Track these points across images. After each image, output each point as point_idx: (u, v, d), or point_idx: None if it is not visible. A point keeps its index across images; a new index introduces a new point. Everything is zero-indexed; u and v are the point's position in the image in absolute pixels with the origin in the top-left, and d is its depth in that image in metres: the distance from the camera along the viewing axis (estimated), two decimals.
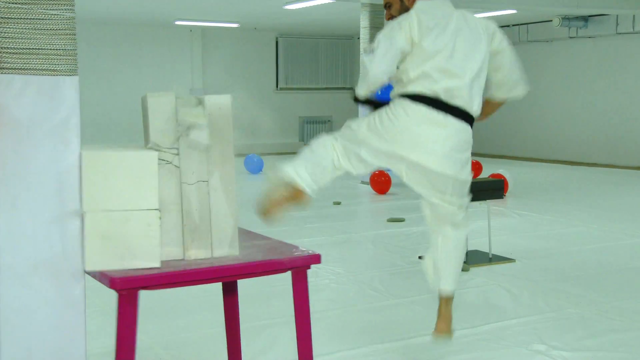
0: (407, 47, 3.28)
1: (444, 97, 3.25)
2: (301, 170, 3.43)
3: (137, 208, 2.54)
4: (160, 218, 2.59)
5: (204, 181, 2.72)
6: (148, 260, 2.56)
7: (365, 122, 3.41)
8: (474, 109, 3.33)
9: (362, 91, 3.44)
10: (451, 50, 3.28)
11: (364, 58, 3.34)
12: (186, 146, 2.69)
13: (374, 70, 3.30)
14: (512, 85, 3.60)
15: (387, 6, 3.65)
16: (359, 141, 3.41)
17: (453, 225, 3.50)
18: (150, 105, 2.67)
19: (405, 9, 3.53)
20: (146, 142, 2.79)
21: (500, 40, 3.49)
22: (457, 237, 3.53)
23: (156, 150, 2.65)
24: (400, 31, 3.29)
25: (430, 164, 3.31)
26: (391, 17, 3.61)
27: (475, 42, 3.36)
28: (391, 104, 3.37)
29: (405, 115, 3.27)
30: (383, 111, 3.36)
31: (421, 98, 3.27)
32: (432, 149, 3.29)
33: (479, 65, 3.34)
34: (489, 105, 3.64)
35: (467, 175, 3.44)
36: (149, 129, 2.69)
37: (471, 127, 3.36)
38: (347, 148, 3.46)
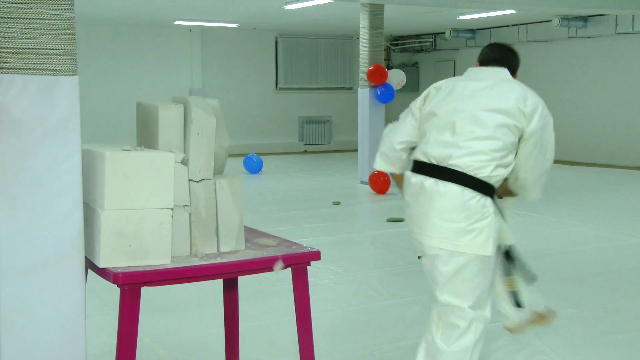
0: None
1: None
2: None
3: (152, 207, 2.59)
4: (172, 216, 2.63)
5: (209, 179, 2.77)
6: (159, 257, 2.60)
7: None
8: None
9: None
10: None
11: None
12: (194, 146, 2.74)
13: None
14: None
15: None
16: None
17: (442, 334, 2.96)
18: (160, 118, 2.73)
19: None
20: (150, 146, 2.83)
21: None
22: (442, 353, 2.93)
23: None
24: None
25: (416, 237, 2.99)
26: None
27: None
28: None
29: None
30: None
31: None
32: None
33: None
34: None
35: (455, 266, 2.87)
36: (157, 139, 2.74)
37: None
38: None
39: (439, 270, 2.90)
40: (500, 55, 3.14)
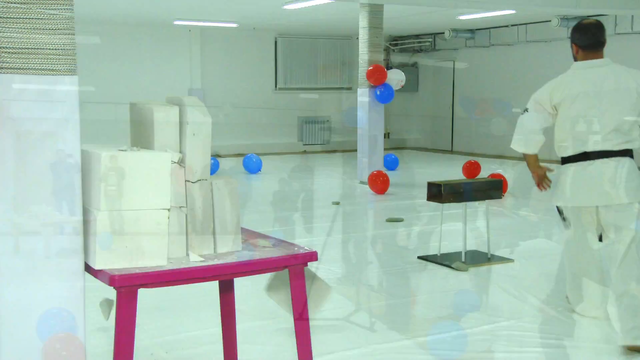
0: None
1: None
2: None
3: (148, 207, 2.57)
4: (169, 217, 2.62)
5: (205, 179, 2.76)
6: (156, 258, 2.58)
7: None
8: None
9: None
10: None
11: None
12: (191, 146, 2.73)
13: None
14: None
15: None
16: None
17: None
18: (156, 120, 2.71)
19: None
20: (145, 147, 2.81)
21: None
22: None
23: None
24: None
25: None
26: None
27: None
28: None
29: None
30: None
31: None
32: None
33: None
34: None
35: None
36: (153, 141, 2.73)
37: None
38: None
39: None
40: (600, 40, 3.95)
